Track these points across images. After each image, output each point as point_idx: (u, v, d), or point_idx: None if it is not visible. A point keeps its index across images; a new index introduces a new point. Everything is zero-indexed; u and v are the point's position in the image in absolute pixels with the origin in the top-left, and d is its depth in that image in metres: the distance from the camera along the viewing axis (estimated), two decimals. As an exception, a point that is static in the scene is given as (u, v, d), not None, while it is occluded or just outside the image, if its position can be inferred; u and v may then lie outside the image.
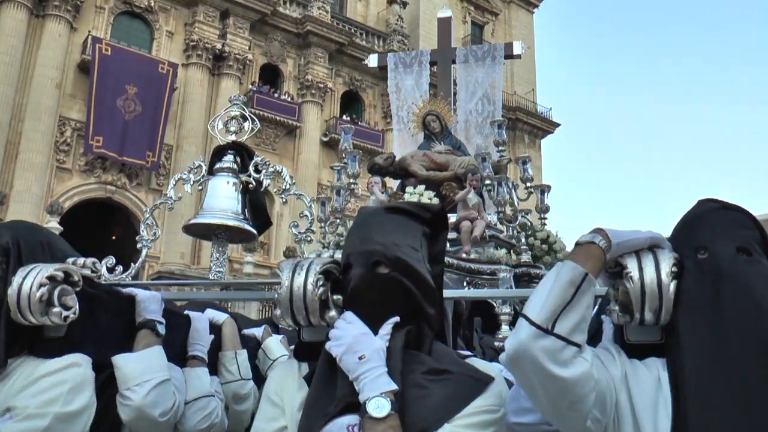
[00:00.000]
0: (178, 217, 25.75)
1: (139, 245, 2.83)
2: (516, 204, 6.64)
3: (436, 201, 6.63)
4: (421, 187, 6.64)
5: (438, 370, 1.57)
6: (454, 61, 8.17)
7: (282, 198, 2.87)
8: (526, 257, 6.08)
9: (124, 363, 2.13)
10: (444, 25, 8.47)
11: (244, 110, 2.90)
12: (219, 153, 2.81)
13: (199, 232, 2.93)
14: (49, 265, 2.01)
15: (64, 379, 1.89)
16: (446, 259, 5.47)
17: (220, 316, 2.74)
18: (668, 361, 1.53)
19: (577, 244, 1.58)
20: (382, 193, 6.92)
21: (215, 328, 2.68)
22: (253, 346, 2.82)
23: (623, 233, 1.58)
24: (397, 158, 7.36)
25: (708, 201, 1.68)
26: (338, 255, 6.14)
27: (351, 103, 33.46)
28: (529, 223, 6.56)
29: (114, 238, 29.24)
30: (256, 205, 2.80)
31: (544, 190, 6.66)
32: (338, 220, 6.73)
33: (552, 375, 1.40)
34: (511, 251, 6.19)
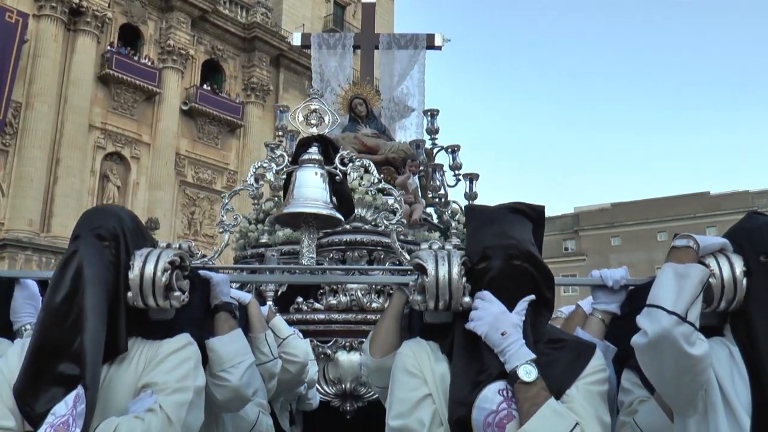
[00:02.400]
0: (27, 181, 24.21)
1: (219, 230, 2.97)
2: (446, 190, 7.10)
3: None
4: (361, 170, 6.89)
5: (556, 340, 1.97)
6: (377, 47, 8.41)
7: (371, 191, 3.11)
8: (455, 241, 6.55)
9: (219, 346, 2.31)
10: (368, 10, 8.66)
11: (323, 104, 3.11)
12: (304, 145, 3.01)
13: (287, 220, 3.10)
14: (167, 251, 2.15)
15: (188, 356, 2.06)
16: (386, 240, 5.84)
17: (245, 297, 2.86)
18: (738, 340, 2.02)
19: (676, 247, 2.02)
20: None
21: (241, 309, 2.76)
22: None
23: (705, 239, 2.05)
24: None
25: (761, 215, 2.19)
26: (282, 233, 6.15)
27: (212, 72, 32.65)
28: (459, 209, 7.03)
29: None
30: (343, 195, 3.04)
31: (472, 178, 7.17)
32: (276, 199, 6.81)
33: (686, 353, 1.82)
34: (444, 234, 6.62)
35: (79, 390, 1.82)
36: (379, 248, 5.71)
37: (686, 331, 1.83)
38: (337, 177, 3.00)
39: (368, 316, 5.27)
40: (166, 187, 29.25)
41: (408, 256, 2.96)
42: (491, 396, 1.81)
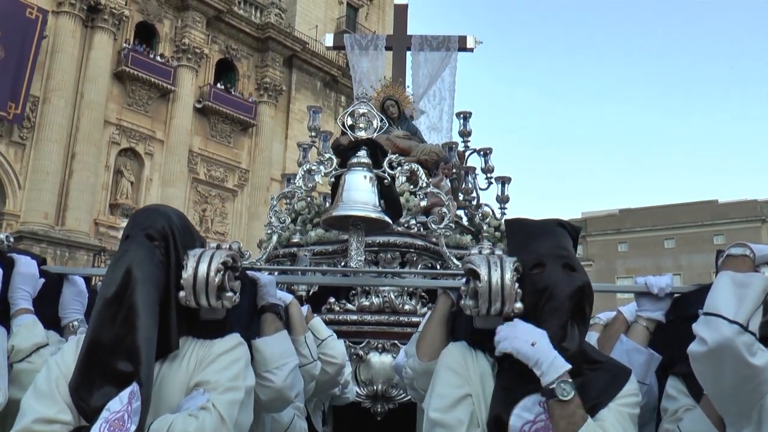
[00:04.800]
0: (43, 174, 24.34)
1: (268, 231, 2.95)
2: (477, 193, 7.05)
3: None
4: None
5: (593, 360, 1.98)
6: (409, 48, 8.33)
7: (420, 195, 3.10)
8: (486, 244, 6.49)
9: (264, 346, 2.30)
10: (400, 12, 8.60)
11: (372, 109, 3.10)
12: (353, 148, 2.99)
13: (335, 222, 3.10)
14: (220, 252, 2.14)
15: (239, 357, 2.06)
16: (419, 243, 5.81)
17: (287, 297, 2.83)
18: None
19: (732, 255, 1.98)
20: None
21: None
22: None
23: (761, 248, 2.01)
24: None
25: None
26: (314, 233, 6.12)
27: (225, 71, 32.88)
28: (491, 212, 6.98)
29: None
30: (390, 198, 3.04)
31: (505, 181, 7.10)
32: (309, 199, 6.77)
33: (749, 363, 1.77)
34: (475, 237, 6.56)
35: (134, 387, 1.82)
36: (411, 250, 5.66)
37: (748, 340, 1.79)
38: (386, 180, 3.01)
39: (401, 318, 5.23)
40: (179, 183, 29.40)
41: (457, 261, 2.97)
42: (530, 405, 1.84)
